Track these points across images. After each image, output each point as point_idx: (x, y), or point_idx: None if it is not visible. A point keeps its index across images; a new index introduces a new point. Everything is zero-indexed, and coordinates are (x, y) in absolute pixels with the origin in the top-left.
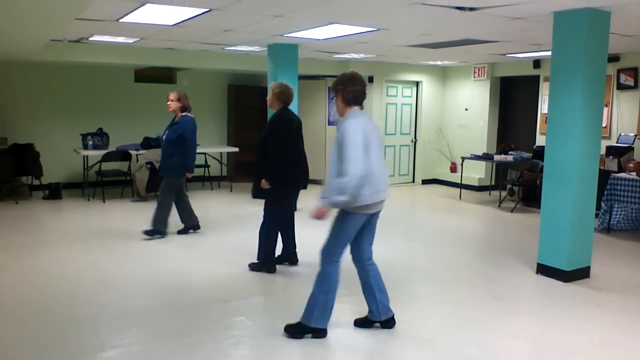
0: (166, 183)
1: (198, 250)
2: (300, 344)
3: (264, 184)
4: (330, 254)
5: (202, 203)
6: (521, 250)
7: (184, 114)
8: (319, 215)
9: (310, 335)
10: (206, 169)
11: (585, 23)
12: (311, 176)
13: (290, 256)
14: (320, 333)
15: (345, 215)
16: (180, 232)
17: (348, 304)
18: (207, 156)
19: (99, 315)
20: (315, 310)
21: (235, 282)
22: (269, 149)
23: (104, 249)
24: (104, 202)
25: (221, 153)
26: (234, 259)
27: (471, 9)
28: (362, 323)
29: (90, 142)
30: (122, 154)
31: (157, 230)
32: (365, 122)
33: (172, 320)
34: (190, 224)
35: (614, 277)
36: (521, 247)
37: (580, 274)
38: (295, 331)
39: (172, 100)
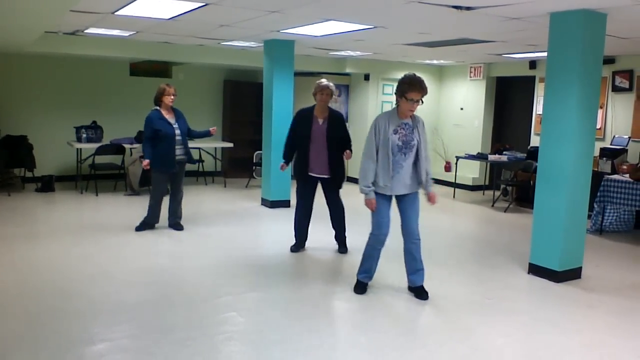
0: (183, 174)
1: (190, 245)
2: (296, 331)
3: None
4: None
5: (196, 198)
6: (513, 250)
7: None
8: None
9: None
10: (200, 164)
11: (581, 24)
12: None
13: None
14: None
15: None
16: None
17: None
18: (201, 151)
19: (89, 308)
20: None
21: (227, 278)
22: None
23: (96, 243)
24: (96, 195)
25: (215, 148)
26: (226, 255)
27: (467, 8)
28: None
29: (84, 135)
30: (116, 148)
31: None
32: None
33: (163, 315)
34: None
35: (606, 278)
36: (513, 247)
37: (572, 274)
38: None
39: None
